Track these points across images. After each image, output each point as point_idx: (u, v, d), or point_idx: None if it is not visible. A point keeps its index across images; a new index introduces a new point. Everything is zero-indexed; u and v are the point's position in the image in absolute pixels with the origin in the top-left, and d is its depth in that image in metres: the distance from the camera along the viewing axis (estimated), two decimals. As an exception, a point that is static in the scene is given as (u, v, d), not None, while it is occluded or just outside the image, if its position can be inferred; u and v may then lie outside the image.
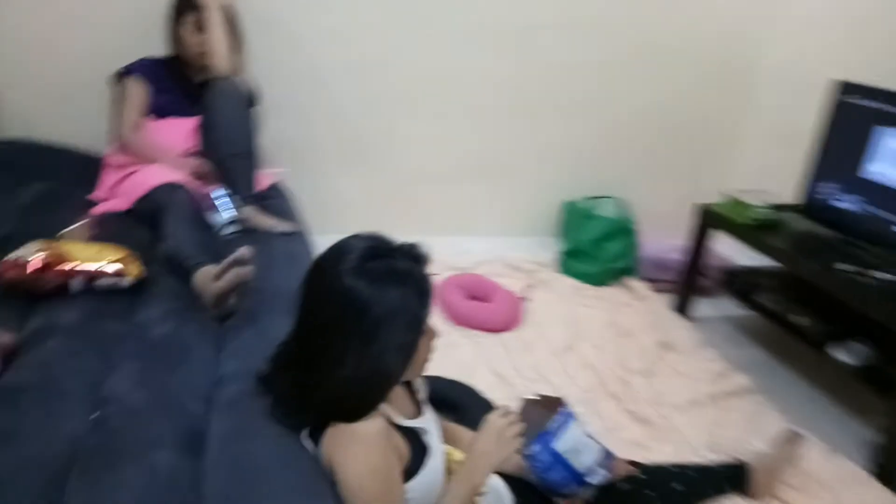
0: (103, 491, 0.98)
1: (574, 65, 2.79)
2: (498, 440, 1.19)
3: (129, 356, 1.30)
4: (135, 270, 1.50)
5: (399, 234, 2.82)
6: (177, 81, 2.16)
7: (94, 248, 1.50)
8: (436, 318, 2.34)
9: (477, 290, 2.54)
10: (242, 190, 1.99)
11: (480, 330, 2.36)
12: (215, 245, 1.77)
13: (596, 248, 2.80)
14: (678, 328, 2.50)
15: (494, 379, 2.10)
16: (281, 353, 1.16)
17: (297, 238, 1.97)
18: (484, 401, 1.87)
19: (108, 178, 2.04)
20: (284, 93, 2.51)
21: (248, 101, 2.07)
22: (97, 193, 2.01)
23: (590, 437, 1.36)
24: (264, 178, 2.34)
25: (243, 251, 1.43)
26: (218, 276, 1.42)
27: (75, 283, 1.46)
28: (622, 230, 2.84)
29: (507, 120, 2.84)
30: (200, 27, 2.08)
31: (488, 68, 2.71)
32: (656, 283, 2.82)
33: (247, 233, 1.93)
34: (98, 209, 1.90)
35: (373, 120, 2.68)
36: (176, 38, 2.16)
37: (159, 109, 2.14)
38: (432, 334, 1.15)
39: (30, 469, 1.01)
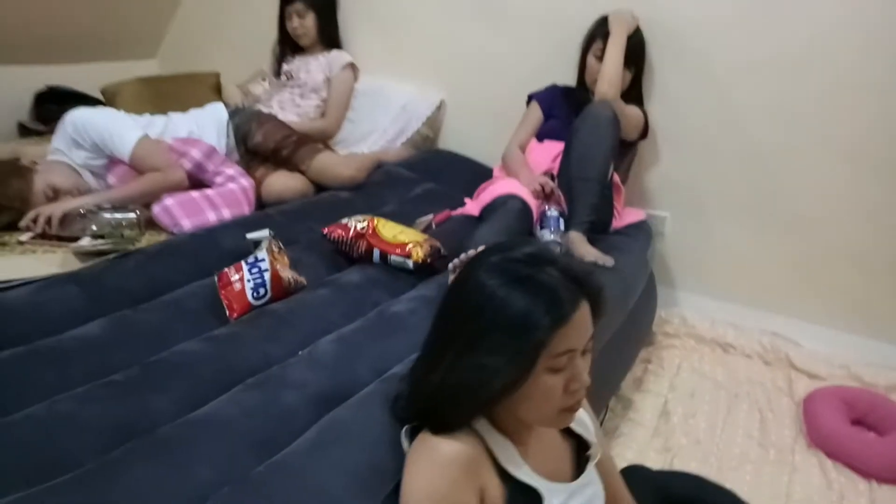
0: (231, 402, 1.11)
1: None
2: None
3: (362, 318, 1.42)
4: (418, 255, 1.62)
5: (790, 317, 2.30)
6: (568, 109, 2.23)
7: (398, 230, 1.69)
8: (788, 433, 1.79)
9: (870, 415, 1.82)
10: (580, 215, 1.92)
11: (854, 470, 1.68)
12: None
13: None
14: None
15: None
16: None
17: (610, 272, 1.78)
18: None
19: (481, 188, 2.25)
20: (686, 129, 2.31)
21: (615, 128, 1.98)
22: (468, 199, 2.24)
23: None
24: (630, 215, 2.21)
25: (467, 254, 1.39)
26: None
27: (376, 254, 1.67)
28: None
29: None
30: (602, 56, 2.11)
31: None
32: None
33: (566, 256, 1.85)
34: (456, 211, 2.12)
35: (786, 172, 2.19)
36: (582, 65, 2.25)
37: (544, 132, 2.26)
38: (572, 377, 0.91)
39: (223, 368, 1.22)
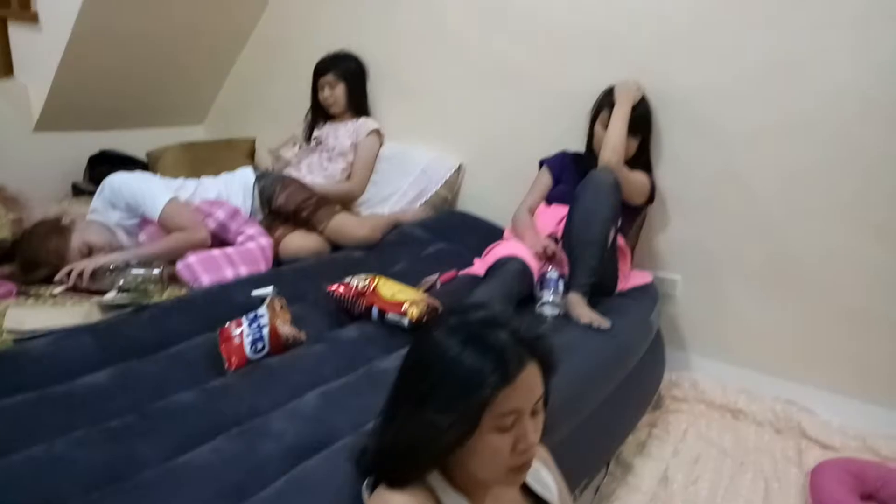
0: (212, 450, 1.18)
1: None
2: None
3: (349, 375, 1.49)
4: (414, 314, 1.68)
5: (806, 384, 2.28)
6: (577, 174, 2.29)
7: (396, 289, 1.76)
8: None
9: (883, 491, 1.75)
10: (580, 277, 1.95)
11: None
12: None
13: None
14: None
15: None
16: None
17: (605, 334, 1.81)
18: None
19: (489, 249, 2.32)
20: (695, 193, 2.34)
21: (616, 194, 2.03)
22: (476, 259, 2.31)
23: None
24: (636, 277, 2.24)
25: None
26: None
27: (374, 312, 1.74)
28: None
29: None
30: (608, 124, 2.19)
31: None
32: None
33: (564, 318, 1.89)
34: (463, 271, 2.19)
35: (796, 236, 2.18)
36: (590, 133, 2.33)
37: (553, 196, 2.33)
38: (518, 437, 0.95)
39: (211, 417, 1.31)
